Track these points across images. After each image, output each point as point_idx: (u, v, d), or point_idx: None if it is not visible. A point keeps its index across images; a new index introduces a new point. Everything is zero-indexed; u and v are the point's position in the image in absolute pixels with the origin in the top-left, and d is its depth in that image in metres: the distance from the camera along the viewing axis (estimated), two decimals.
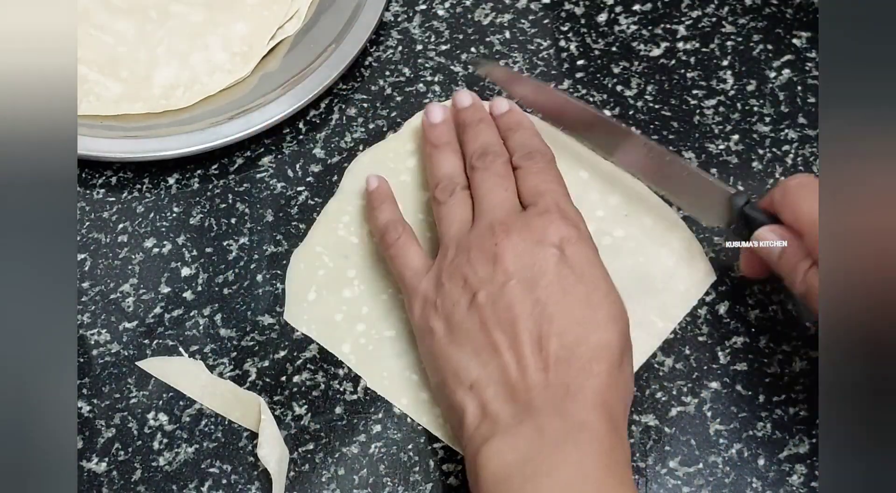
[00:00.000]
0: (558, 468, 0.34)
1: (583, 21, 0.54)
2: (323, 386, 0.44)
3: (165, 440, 0.43)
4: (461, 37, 0.54)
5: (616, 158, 0.47)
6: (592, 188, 0.47)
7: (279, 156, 0.50)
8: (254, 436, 0.42)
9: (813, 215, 0.37)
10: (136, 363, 0.44)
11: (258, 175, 0.50)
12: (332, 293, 0.45)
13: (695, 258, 0.45)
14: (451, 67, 0.53)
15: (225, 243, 0.48)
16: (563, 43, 0.53)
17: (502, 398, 0.36)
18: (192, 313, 0.46)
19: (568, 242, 0.39)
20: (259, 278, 0.47)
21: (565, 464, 0.34)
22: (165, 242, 0.48)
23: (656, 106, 0.51)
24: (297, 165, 0.50)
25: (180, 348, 0.45)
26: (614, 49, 0.53)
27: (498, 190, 0.42)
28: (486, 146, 0.44)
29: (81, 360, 0.45)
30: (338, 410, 0.43)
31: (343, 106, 0.52)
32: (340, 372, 0.44)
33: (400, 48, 0.54)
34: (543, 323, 0.37)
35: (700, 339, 0.44)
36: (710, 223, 0.45)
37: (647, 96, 0.51)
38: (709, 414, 0.42)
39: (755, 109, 0.50)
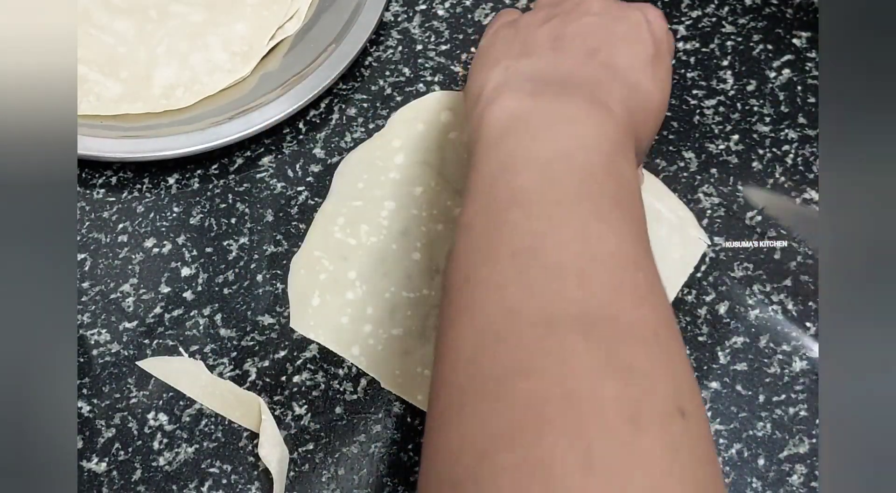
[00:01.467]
0: (573, 121, 0.34)
1: None
2: (323, 386, 0.44)
3: (165, 440, 0.43)
4: (461, 37, 0.54)
5: None
6: None
7: (279, 156, 0.50)
8: (254, 436, 0.42)
9: None
10: (137, 363, 0.44)
11: (258, 175, 0.50)
12: (335, 297, 0.45)
13: (686, 226, 0.46)
14: (451, 67, 0.53)
15: (225, 243, 0.48)
16: None
17: (532, 75, 0.37)
18: (192, 313, 0.46)
19: (653, 14, 0.40)
20: (259, 278, 0.47)
21: (577, 122, 0.34)
22: (165, 243, 0.48)
23: None
24: (297, 165, 0.50)
25: (180, 348, 0.45)
26: None
27: None
28: None
29: (81, 360, 0.45)
30: (338, 410, 0.43)
31: (343, 106, 0.52)
32: (340, 372, 0.44)
33: (400, 48, 0.54)
34: (601, 50, 0.38)
35: (700, 339, 0.44)
36: None
37: None
38: (709, 414, 0.42)
39: (755, 109, 0.50)
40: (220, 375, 0.44)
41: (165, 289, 0.47)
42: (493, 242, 0.32)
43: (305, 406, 0.43)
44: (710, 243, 0.45)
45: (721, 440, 0.42)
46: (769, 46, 0.53)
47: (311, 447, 0.42)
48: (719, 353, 0.44)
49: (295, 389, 0.44)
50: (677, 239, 0.46)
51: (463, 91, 0.41)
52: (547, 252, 0.31)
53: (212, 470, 0.42)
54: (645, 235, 0.33)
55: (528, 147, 0.34)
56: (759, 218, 0.47)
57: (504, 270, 0.31)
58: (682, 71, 0.52)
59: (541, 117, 0.34)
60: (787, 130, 0.50)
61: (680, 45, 0.53)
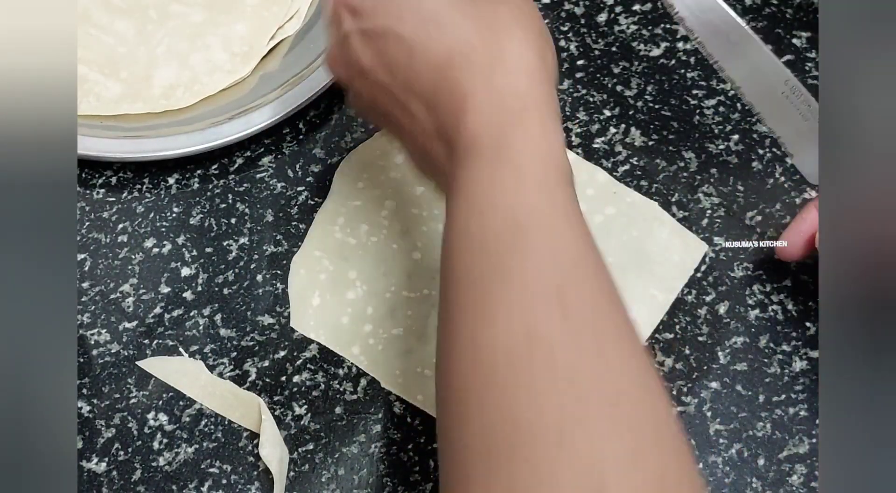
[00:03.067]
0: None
1: (583, 21, 0.54)
2: (323, 386, 0.44)
3: (165, 440, 0.43)
4: None
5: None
6: (581, 168, 0.48)
7: (279, 156, 0.50)
8: (254, 436, 0.42)
9: None
10: (136, 363, 0.44)
11: (258, 175, 0.50)
12: (335, 296, 0.45)
13: (686, 229, 0.46)
14: None
15: (225, 243, 0.48)
16: (563, 43, 0.53)
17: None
18: (192, 313, 0.46)
19: None
20: (259, 278, 0.47)
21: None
22: (165, 242, 0.48)
23: (656, 106, 0.51)
24: (297, 165, 0.50)
25: (180, 348, 0.45)
26: (614, 49, 0.53)
27: None
28: None
29: (81, 360, 0.45)
30: (338, 410, 0.43)
31: (343, 106, 0.52)
32: (340, 372, 0.44)
33: None
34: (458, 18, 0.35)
35: (700, 339, 0.44)
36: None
37: (647, 96, 0.51)
38: (709, 414, 0.42)
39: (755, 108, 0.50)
40: (220, 375, 0.44)
41: (165, 289, 0.47)
42: None
43: (305, 406, 0.43)
44: (707, 246, 0.45)
45: (721, 440, 0.42)
46: (769, 46, 0.52)
47: (311, 447, 0.42)
48: (719, 353, 0.44)
49: (295, 389, 0.44)
50: (678, 242, 0.46)
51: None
52: None
53: (212, 470, 0.42)
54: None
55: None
56: (759, 218, 0.47)
57: None
58: (682, 71, 0.52)
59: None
60: None
61: (680, 45, 0.53)
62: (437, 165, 0.36)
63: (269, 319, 0.45)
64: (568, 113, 0.51)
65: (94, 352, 0.45)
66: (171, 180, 0.50)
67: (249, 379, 0.44)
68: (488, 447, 0.29)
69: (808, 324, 0.44)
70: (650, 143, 0.50)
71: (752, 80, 0.41)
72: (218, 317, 0.46)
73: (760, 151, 0.49)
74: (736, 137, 0.50)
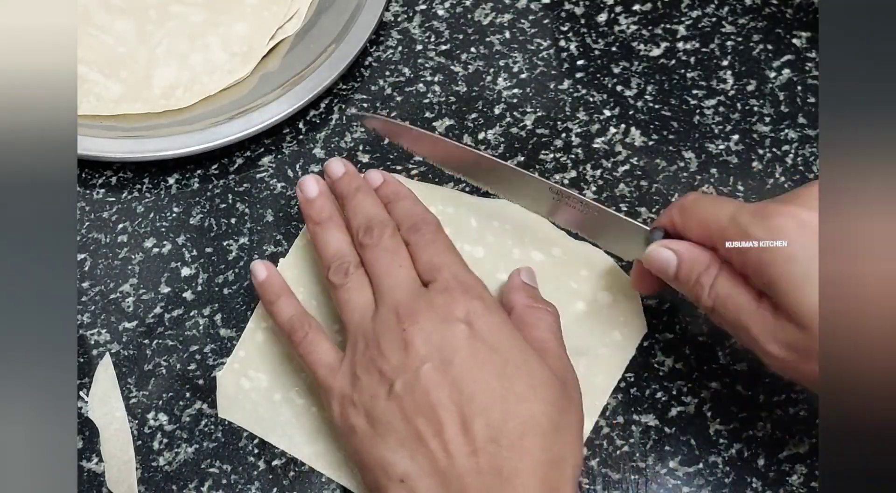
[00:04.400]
0: None
1: (583, 21, 0.54)
2: None
3: (165, 440, 0.43)
4: (461, 37, 0.54)
5: (520, 201, 0.45)
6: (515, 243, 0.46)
7: (279, 156, 0.50)
8: (254, 436, 0.42)
9: (719, 221, 0.36)
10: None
11: (258, 175, 0.50)
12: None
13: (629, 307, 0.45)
14: (451, 67, 0.53)
15: (225, 243, 0.48)
16: (563, 43, 0.53)
17: (435, 489, 0.35)
18: (192, 313, 0.46)
19: (475, 314, 0.37)
20: None
21: None
22: (165, 242, 0.48)
23: (656, 106, 0.51)
24: (297, 165, 0.50)
25: (180, 348, 0.45)
26: (614, 49, 0.53)
27: (393, 268, 0.39)
28: (370, 219, 0.41)
29: (81, 360, 0.45)
30: None
31: (343, 106, 0.52)
32: None
33: (400, 48, 0.54)
34: (464, 404, 0.35)
35: (700, 339, 0.44)
36: (629, 258, 0.44)
37: (647, 96, 0.51)
38: (709, 414, 0.42)
39: (755, 109, 0.50)
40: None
41: (165, 289, 0.47)
42: None
43: None
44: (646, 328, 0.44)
45: (721, 440, 0.42)
46: (769, 46, 0.53)
47: None
48: (719, 353, 0.44)
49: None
50: (621, 318, 0.44)
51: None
52: None
53: (212, 470, 0.42)
54: None
55: None
56: None
57: None
58: (682, 71, 0.52)
59: None
60: (787, 130, 0.50)
61: (680, 45, 0.53)
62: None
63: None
64: (568, 113, 0.51)
65: (94, 352, 0.45)
66: (171, 180, 0.50)
67: None
68: None
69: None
70: (650, 143, 0.50)
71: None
72: (218, 317, 0.46)
73: (760, 151, 0.49)
74: (736, 137, 0.50)
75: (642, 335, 0.44)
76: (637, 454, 0.41)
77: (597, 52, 0.53)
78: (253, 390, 0.43)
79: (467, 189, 0.48)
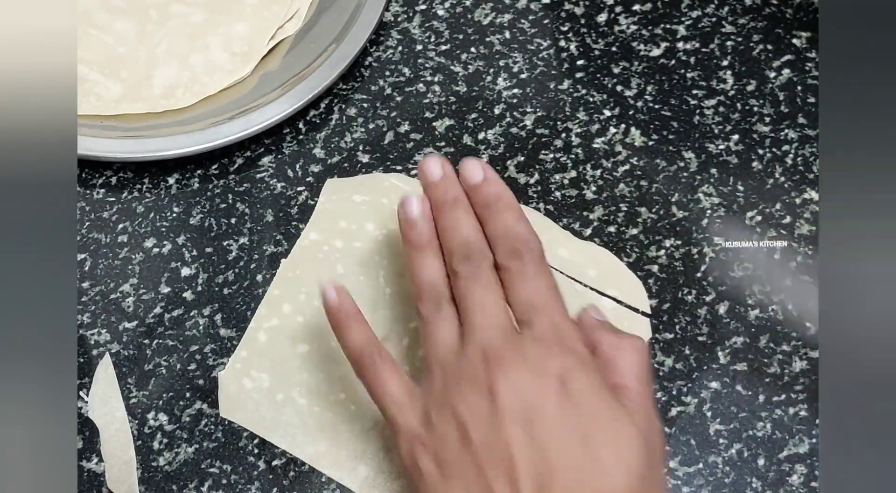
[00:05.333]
0: None
1: (583, 21, 0.54)
2: None
3: (165, 440, 0.43)
4: (461, 37, 0.54)
5: None
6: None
7: (279, 156, 0.50)
8: (254, 436, 0.42)
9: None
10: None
11: (258, 175, 0.50)
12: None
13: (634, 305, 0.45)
14: (451, 67, 0.53)
15: (225, 243, 0.48)
16: (563, 43, 0.53)
17: None
18: (192, 313, 0.46)
19: (569, 371, 0.35)
20: (259, 278, 0.47)
21: None
22: (165, 242, 0.48)
23: (656, 106, 0.51)
24: (297, 165, 0.50)
25: (180, 348, 0.45)
26: (614, 49, 0.53)
27: (487, 305, 0.37)
28: (469, 245, 0.38)
29: (81, 360, 0.45)
30: None
31: (343, 106, 0.52)
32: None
33: (400, 48, 0.54)
34: (543, 467, 0.33)
35: (700, 339, 0.44)
36: None
37: (647, 96, 0.51)
38: (709, 414, 0.42)
39: (755, 109, 0.50)
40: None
41: (165, 289, 0.47)
42: None
43: None
44: (651, 324, 0.44)
45: (721, 440, 0.42)
46: (769, 46, 0.53)
47: None
48: (719, 353, 0.44)
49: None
50: (626, 322, 0.44)
51: None
52: None
53: (212, 470, 0.42)
54: None
55: None
56: (759, 218, 0.47)
57: None
58: (682, 71, 0.52)
59: None
60: (787, 130, 0.50)
61: (680, 45, 0.53)
62: None
63: None
64: (568, 113, 0.51)
65: (94, 352, 0.45)
66: (171, 180, 0.50)
67: None
68: None
69: (808, 324, 0.44)
70: (650, 143, 0.50)
71: None
72: (218, 317, 0.46)
73: (760, 151, 0.49)
74: (736, 137, 0.50)
75: (648, 338, 0.44)
76: None
77: (597, 52, 0.53)
78: (255, 391, 0.43)
79: None
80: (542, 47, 0.53)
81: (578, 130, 0.50)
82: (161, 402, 0.44)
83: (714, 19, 0.54)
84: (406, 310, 0.44)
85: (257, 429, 0.42)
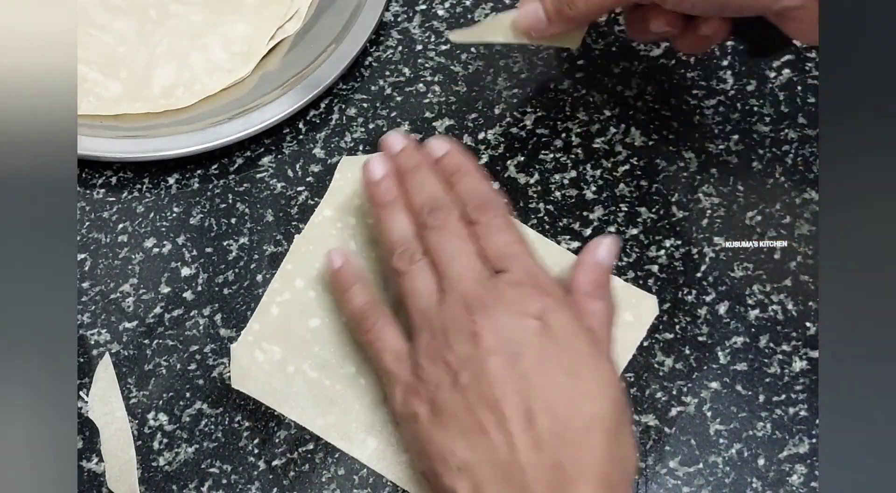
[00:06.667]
0: None
1: None
2: None
3: (165, 440, 0.43)
4: None
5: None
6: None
7: (279, 156, 0.50)
8: (254, 436, 0.42)
9: None
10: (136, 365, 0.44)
11: (258, 175, 0.50)
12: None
13: (633, 296, 0.45)
14: (451, 67, 0.53)
15: (225, 243, 0.48)
16: None
17: (495, 480, 0.34)
18: (192, 313, 0.46)
19: (547, 311, 0.37)
20: (259, 278, 0.47)
21: None
22: (165, 242, 0.48)
23: (656, 106, 0.51)
24: (297, 165, 0.50)
25: (180, 348, 0.45)
26: (614, 49, 0.53)
27: (460, 255, 0.39)
28: (435, 200, 0.40)
29: (81, 360, 0.45)
30: None
31: (343, 106, 0.52)
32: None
33: (400, 48, 0.54)
34: (530, 399, 0.35)
35: (700, 339, 0.44)
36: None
37: (647, 96, 0.51)
38: (709, 414, 0.42)
39: (755, 109, 0.50)
40: (220, 375, 0.44)
41: (165, 289, 0.47)
42: None
43: None
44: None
45: (721, 440, 0.42)
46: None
47: (311, 447, 0.42)
48: (719, 353, 0.44)
49: None
50: (633, 299, 0.45)
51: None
52: None
53: (212, 470, 0.42)
54: None
55: None
56: (759, 218, 0.47)
57: None
58: (682, 71, 0.52)
59: None
60: (787, 130, 0.50)
61: None
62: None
63: None
64: (568, 113, 0.51)
65: (94, 352, 0.45)
66: (171, 180, 0.50)
67: None
68: None
69: (808, 324, 0.44)
70: (650, 143, 0.50)
71: None
72: (218, 317, 0.46)
73: (760, 151, 0.49)
74: (736, 137, 0.50)
75: (654, 317, 0.44)
76: (637, 454, 0.41)
77: (597, 53, 0.53)
78: (266, 362, 0.43)
79: None
80: (542, 47, 0.53)
81: (578, 130, 0.50)
82: (161, 402, 0.44)
83: None
84: None
85: (268, 400, 0.43)
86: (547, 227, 0.47)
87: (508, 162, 0.49)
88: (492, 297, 0.37)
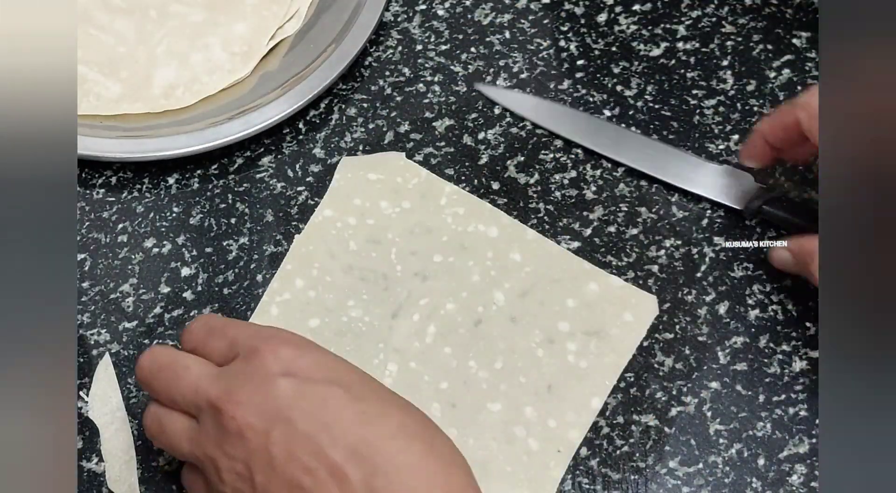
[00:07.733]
0: None
1: (583, 21, 0.54)
2: None
3: None
4: (461, 37, 0.54)
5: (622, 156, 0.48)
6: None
7: (279, 156, 0.50)
8: None
9: None
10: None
11: (258, 175, 0.50)
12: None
13: (628, 293, 0.45)
14: (451, 67, 0.53)
15: (225, 243, 0.48)
16: (563, 43, 0.53)
17: None
18: (192, 313, 0.46)
19: (288, 361, 0.35)
20: (259, 278, 0.47)
21: None
22: (165, 242, 0.48)
23: (656, 106, 0.51)
24: (297, 165, 0.50)
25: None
26: (614, 49, 0.53)
27: (185, 374, 0.37)
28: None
29: (81, 360, 0.45)
30: None
31: (343, 106, 0.52)
32: None
33: (400, 48, 0.54)
34: (327, 450, 0.33)
35: (700, 339, 0.44)
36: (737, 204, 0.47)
37: (647, 96, 0.51)
38: (709, 414, 0.42)
39: (755, 109, 0.50)
40: None
41: (165, 289, 0.47)
42: None
43: None
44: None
45: (721, 440, 0.42)
46: (769, 46, 0.53)
47: None
48: (719, 353, 0.44)
49: None
50: (632, 299, 0.45)
51: None
52: None
53: None
54: None
55: None
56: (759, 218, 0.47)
57: None
58: (682, 71, 0.52)
59: None
60: None
61: (680, 45, 0.53)
62: None
63: None
64: None
65: (94, 352, 0.45)
66: (171, 180, 0.50)
67: None
68: None
69: (808, 324, 0.44)
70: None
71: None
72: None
73: None
74: (736, 137, 0.50)
75: (653, 317, 0.44)
76: (637, 454, 0.41)
77: (597, 52, 0.53)
78: None
79: (467, 188, 0.48)
80: (542, 47, 0.53)
81: None
82: None
83: (714, 19, 0.54)
84: (417, 287, 0.45)
85: None
86: (547, 227, 0.47)
87: (508, 162, 0.49)
88: (233, 382, 0.35)
